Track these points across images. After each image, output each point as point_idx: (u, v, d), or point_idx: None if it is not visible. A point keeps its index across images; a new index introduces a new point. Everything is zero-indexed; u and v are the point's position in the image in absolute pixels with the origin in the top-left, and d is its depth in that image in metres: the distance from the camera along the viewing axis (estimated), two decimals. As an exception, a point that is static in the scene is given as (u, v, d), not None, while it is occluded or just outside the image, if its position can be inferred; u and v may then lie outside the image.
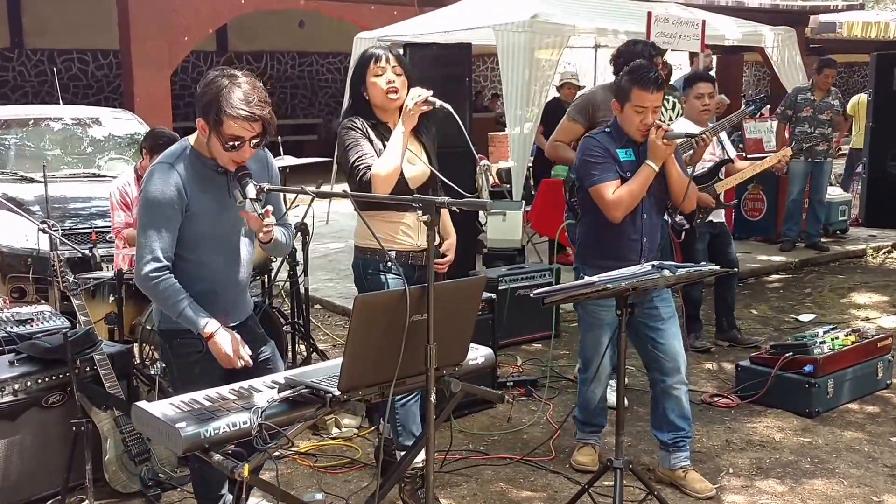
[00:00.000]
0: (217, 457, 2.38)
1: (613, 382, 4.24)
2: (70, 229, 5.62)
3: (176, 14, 12.10)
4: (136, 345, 4.58)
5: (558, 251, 6.47)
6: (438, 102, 3.38)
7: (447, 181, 3.42)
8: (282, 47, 18.50)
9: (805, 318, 6.70)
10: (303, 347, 5.47)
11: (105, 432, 3.77)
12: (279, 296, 5.79)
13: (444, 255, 3.67)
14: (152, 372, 4.27)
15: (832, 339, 4.95)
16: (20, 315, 4.23)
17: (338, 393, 2.45)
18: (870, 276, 8.22)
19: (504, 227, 7.25)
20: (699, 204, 5.11)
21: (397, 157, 3.40)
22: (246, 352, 2.98)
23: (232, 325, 3.09)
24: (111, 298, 4.60)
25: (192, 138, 2.98)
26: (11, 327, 4.06)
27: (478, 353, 2.93)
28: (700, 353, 5.80)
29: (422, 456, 2.66)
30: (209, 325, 2.92)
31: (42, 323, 4.16)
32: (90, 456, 3.57)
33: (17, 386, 3.66)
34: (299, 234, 5.20)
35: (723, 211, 5.82)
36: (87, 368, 3.82)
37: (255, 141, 2.86)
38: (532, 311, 5.73)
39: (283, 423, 2.45)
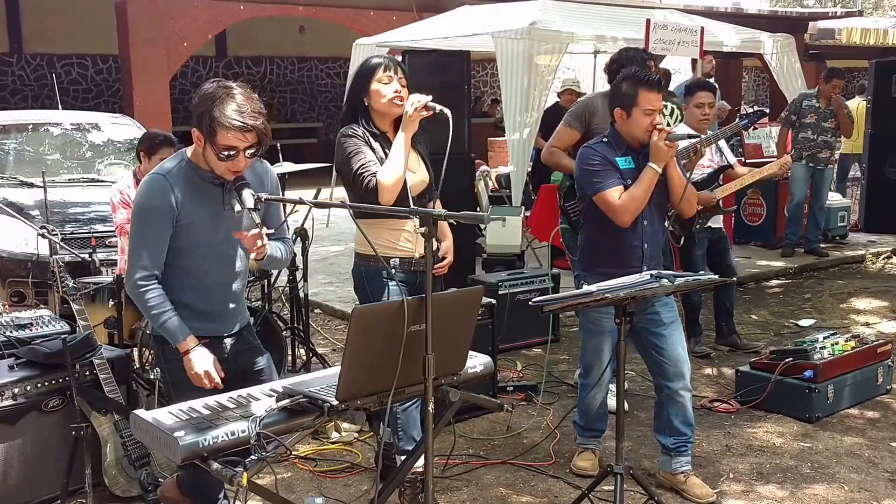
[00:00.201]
0: (216, 465, 2.38)
1: (613, 387, 4.24)
2: (69, 234, 5.63)
3: (175, 21, 12.13)
4: (135, 349, 4.59)
5: (554, 256, 6.46)
6: (438, 107, 3.38)
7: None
8: (281, 52, 18.54)
9: (805, 323, 6.70)
10: (302, 352, 5.47)
11: (104, 436, 3.77)
12: (279, 300, 5.80)
13: (443, 258, 3.68)
14: (152, 376, 4.26)
15: (832, 345, 4.95)
16: (20, 319, 4.25)
17: (336, 402, 2.45)
18: (869, 281, 8.22)
19: (503, 232, 7.24)
20: (700, 204, 5.10)
21: (401, 164, 3.40)
22: (217, 375, 2.95)
23: (226, 334, 3.10)
24: (111, 303, 4.60)
25: (189, 150, 3.01)
26: (11, 332, 4.07)
27: (477, 362, 2.92)
28: (700, 359, 5.79)
29: (422, 461, 2.66)
30: (187, 341, 2.94)
31: (42, 327, 4.18)
32: (90, 460, 3.56)
33: (16, 390, 3.66)
34: (299, 239, 5.20)
35: (722, 217, 5.82)
36: (87, 373, 3.83)
37: (249, 151, 2.87)
38: (532, 316, 5.70)
39: (281, 431, 2.45)
